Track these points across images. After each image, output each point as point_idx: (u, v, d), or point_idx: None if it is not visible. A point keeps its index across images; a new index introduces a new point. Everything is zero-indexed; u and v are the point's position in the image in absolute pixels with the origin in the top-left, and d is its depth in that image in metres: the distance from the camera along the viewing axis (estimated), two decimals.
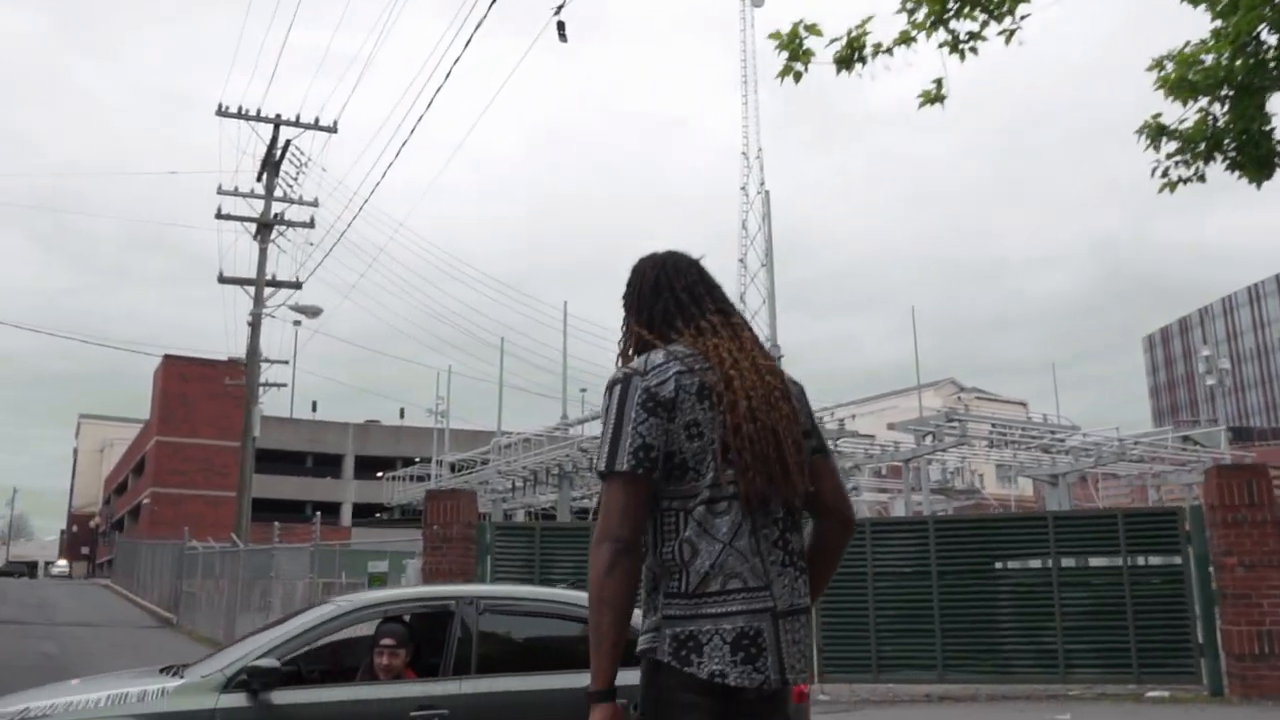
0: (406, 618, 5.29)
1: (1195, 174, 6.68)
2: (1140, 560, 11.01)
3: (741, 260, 56.40)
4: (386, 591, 5.50)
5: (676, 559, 2.15)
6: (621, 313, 2.51)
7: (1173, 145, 6.65)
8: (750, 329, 2.41)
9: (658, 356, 2.26)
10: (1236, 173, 6.52)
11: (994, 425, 28.40)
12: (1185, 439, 38.21)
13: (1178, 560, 10.84)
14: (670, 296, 2.41)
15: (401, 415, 62.00)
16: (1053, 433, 28.15)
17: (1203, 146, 6.51)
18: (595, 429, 28.73)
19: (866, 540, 11.47)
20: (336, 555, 19.04)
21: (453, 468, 36.34)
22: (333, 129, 24.76)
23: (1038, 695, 10.87)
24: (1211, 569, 10.65)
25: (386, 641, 5.05)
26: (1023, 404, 59.78)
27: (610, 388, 2.23)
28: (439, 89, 20.95)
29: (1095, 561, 11.31)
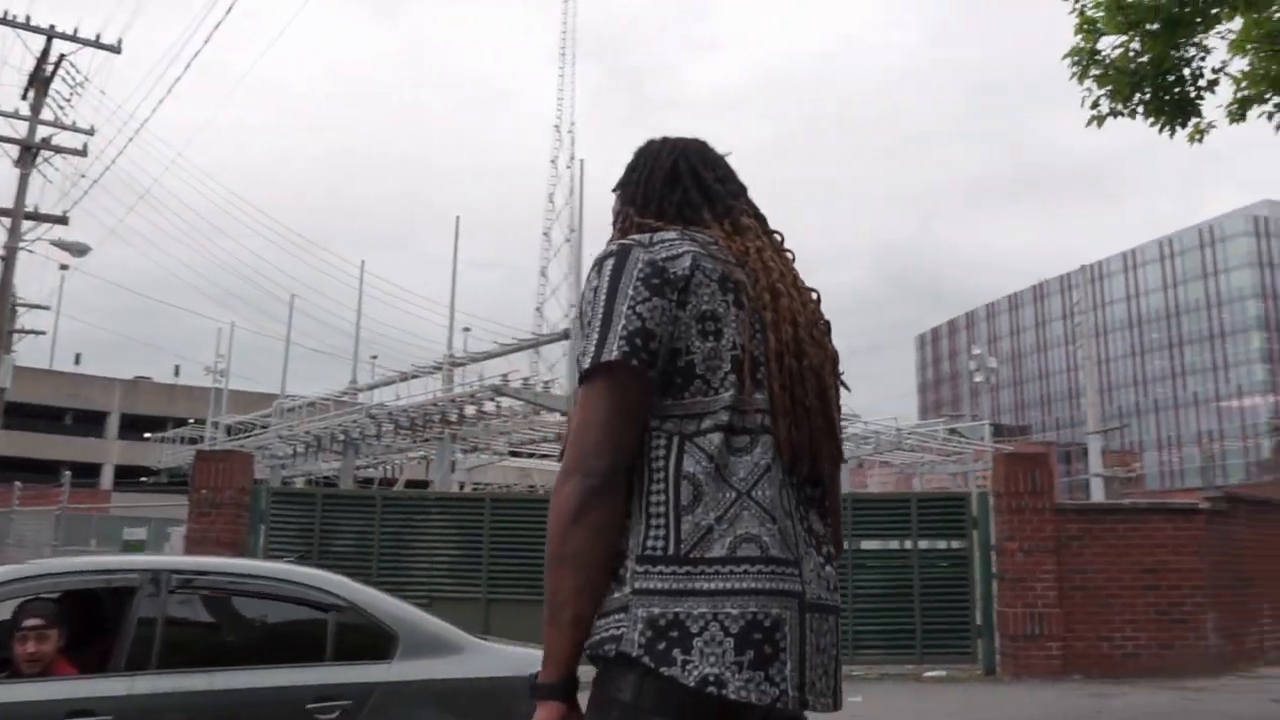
0: (57, 595, 4.22)
1: (1127, 109, 6.57)
2: (929, 544, 11.26)
3: (545, 234, 56.05)
4: (50, 561, 4.41)
5: (666, 503, 1.50)
6: (615, 205, 1.90)
7: (1096, 73, 6.53)
8: (792, 254, 1.83)
9: (669, 234, 1.66)
10: (1152, 120, 6.47)
11: None
12: (952, 431, 40.48)
13: (963, 544, 11.14)
14: (695, 185, 1.80)
15: (176, 373, 58.24)
16: None
17: (1126, 83, 6.42)
18: (384, 394, 27.69)
19: None
20: (92, 522, 17.38)
21: (229, 430, 34.29)
22: (115, 48, 22.38)
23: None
24: (993, 553, 11.00)
25: (31, 623, 3.98)
26: None
27: (600, 263, 1.63)
28: (224, 17, 19.33)
29: (888, 544, 11.50)
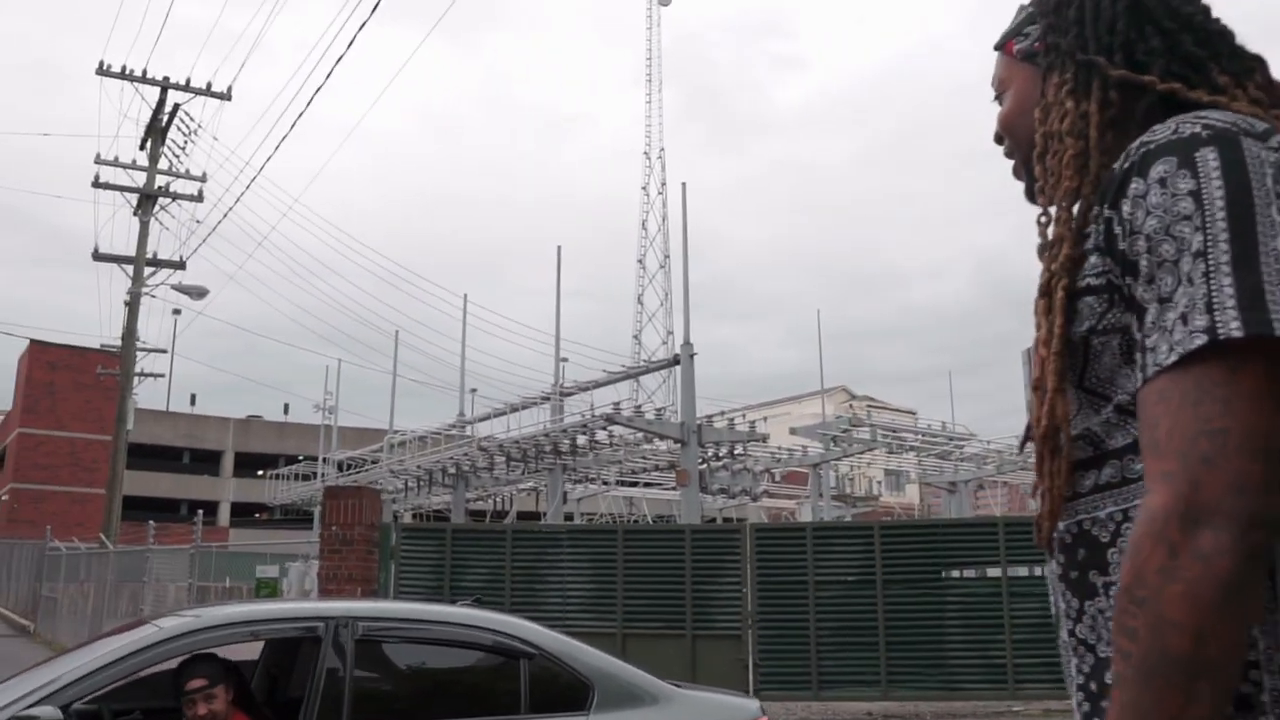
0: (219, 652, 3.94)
1: None
2: None
3: (640, 261, 56.04)
4: (231, 608, 4.13)
5: None
6: (1004, 66, 1.32)
7: None
8: None
9: (1252, 120, 1.03)
10: None
11: (894, 432, 28.48)
12: None
13: None
14: (1180, 27, 1.16)
15: (286, 411, 59.75)
16: (951, 440, 28.45)
17: None
18: (493, 427, 27.69)
19: (808, 546, 10.76)
20: (213, 558, 17.60)
21: (340, 466, 34.77)
22: (226, 95, 23.01)
23: (983, 712, 10.31)
24: None
25: (196, 684, 3.75)
26: (912, 412, 60.83)
27: (1186, 151, 0.99)
28: (334, 66, 19.67)
29: (1039, 571, 10.83)
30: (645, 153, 57.56)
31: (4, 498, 50.91)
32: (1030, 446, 1.15)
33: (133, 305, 22.29)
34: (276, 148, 26.70)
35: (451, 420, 29.46)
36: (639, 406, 24.04)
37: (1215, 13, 1.21)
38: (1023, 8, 1.31)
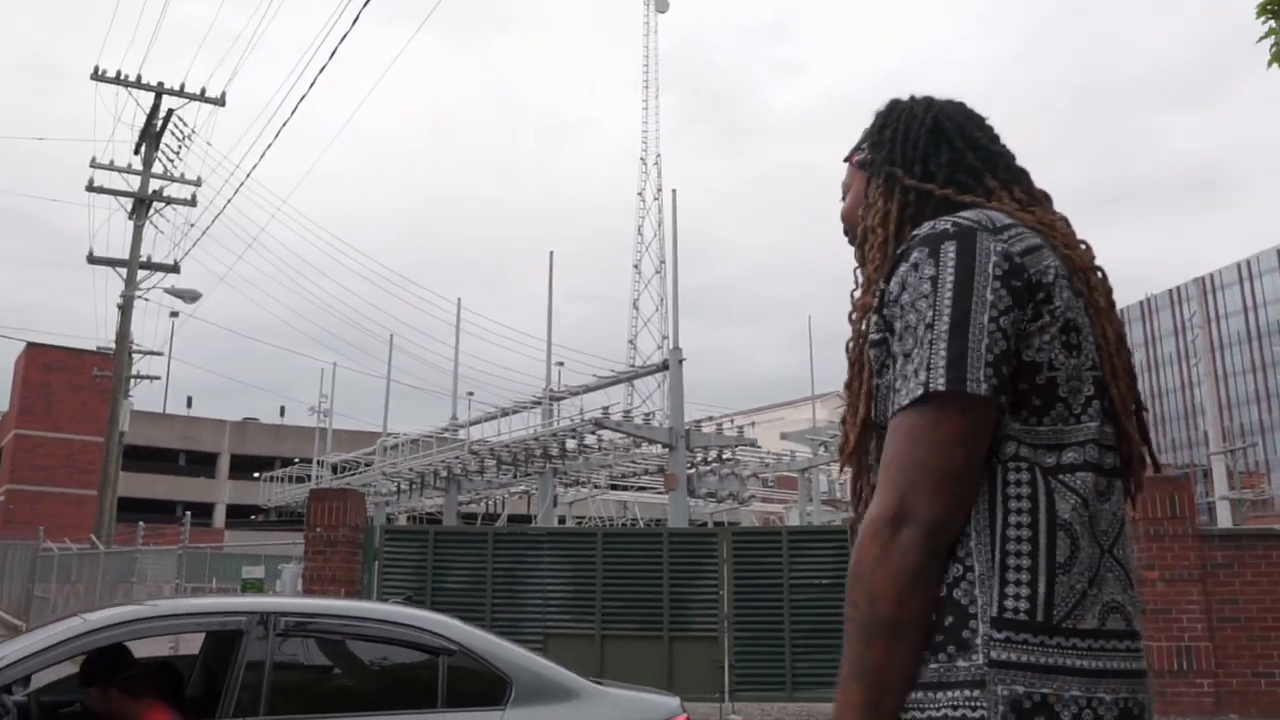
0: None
1: None
2: None
3: (636, 266, 56.14)
4: (154, 604, 4.23)
5: (1035, 555, 1.22)
6: (849, 175, 1.62)
7: None
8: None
9: (999, 216, 1.34)
10: None
11: None
12: None
13: None
14: (966, 144, 1.48)
15: (282, 413, 59.84)
16: None
17: None
18: (484, 431, 27.84)
19: (783, 550, 10.93)
20: (207, 559, 17.75)
21: (335, 469, 34.93)
22: (220, 101, 23.19)
23: None
24: None
25: (90, 682, 3.82)
26: None
27: (933, 245, 1.29)
28: (324, 66, 19.94)
29: None
30: (642, 158, 57.75)
31: (0, 499, 51.03)
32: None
33: (126, 308, 22.45)
34: (262, 156, 26.83)
35: (444, 424, 29.65)
36: (628, 411, 24.20)
37: (1002, 138, 1.54)
38: (872, 125, 1.59)
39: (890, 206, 1.46)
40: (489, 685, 3.99)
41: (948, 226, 1.30)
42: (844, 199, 1.62)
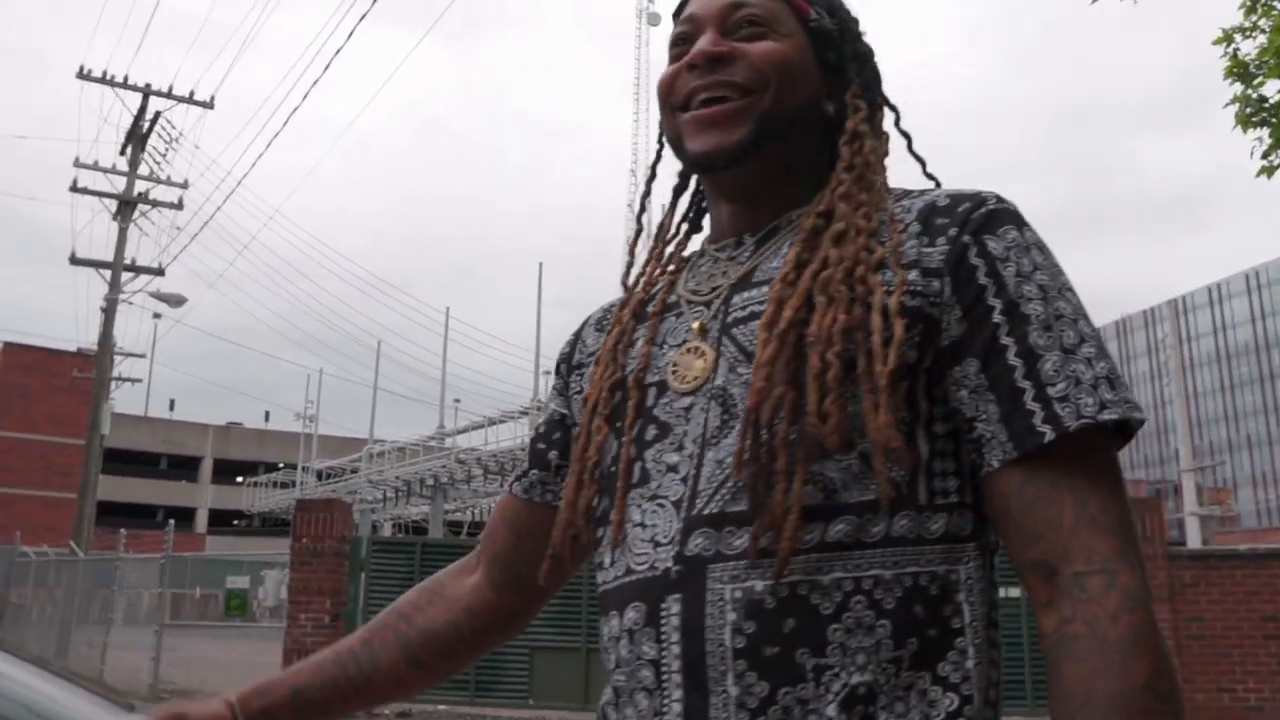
0: None
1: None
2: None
3: (623, 281, 56.15)
4: None
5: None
6: (799, 24, 1.11)
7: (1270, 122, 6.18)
8: None
9: None
10: None
11: None
12: None
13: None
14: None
15: (267, 418, 59.58)
16: None
17: None
18: (471, 440, 27.68)
19: None
20: (189, 565, 17.58)
21: (320, 475, 34.74)
22: (209, 104, 23.04)
23: None
24: None
25: None
26: None
27: (1029, 229, 1.00)
28: (317, 80, 19.83)
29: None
30: (632, 169, 57.80)
31: None
32: None
33: (109, 312, 22.25)
34: (254, 164, 26.66)
35: (431, 431, 29.52)
36: None
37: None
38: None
39: (883, 150, 1.13)
40: None
41: (1011, 204, 1.01)
42: (740, 22, 1.09)
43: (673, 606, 0.94)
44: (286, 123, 21.35)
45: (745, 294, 1.05)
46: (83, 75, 22.40)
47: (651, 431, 1.04)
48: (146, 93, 22.80)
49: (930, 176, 1.15)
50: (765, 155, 1.07)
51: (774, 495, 0.91)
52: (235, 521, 48.50)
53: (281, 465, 42.18)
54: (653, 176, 1.27)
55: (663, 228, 1.24)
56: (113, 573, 15.23)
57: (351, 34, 13.52)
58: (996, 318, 0.94)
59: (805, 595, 0.90)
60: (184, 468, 56.48)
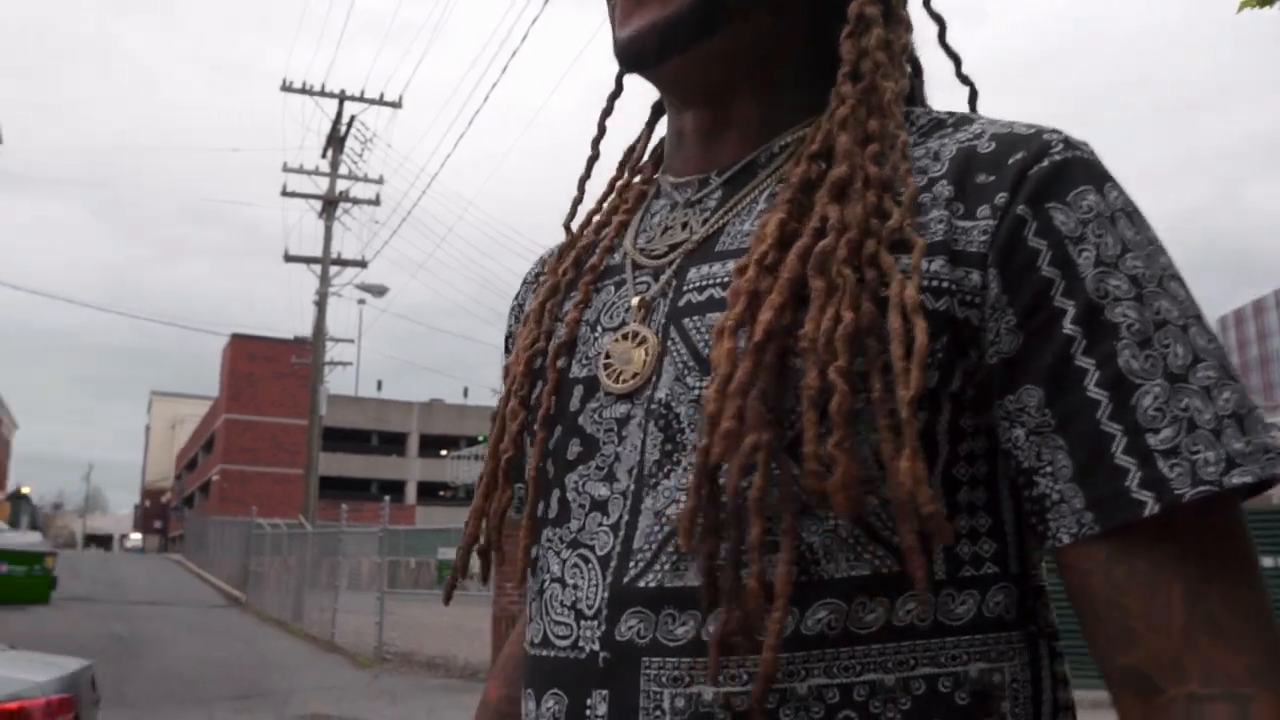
0: None
1: None
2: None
3: None
4: None
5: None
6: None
7: None
8: None
9: None
10: None
11: None
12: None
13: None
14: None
15: (465, 394, 62.23)
16: None
17: None
18: None
19: None
20: (402, 536, 18.95)
21: None
22: (397, 104, 24.53)
23: None
24: None
25: None
26: None
27: (1119, 189, 0.69)
28: (495, 82, 20.68)
29: None
30: None
31: (215, 478, 55.41)
32: None
33: (321, 304, 24.05)
34: (443, 164, 27.98)
35: None
36: None
37: None
38: None
39: (901, 44, 0.80)
40: None
41: (1086, 149, 0.70)
42: None
43: (599, 706, 0.69)
44: (471, 122, 22.35)
45: (705, 268, 0.76)
46: (285, 87, 24.22)
47: (574, 448, 0.77)
48: (342, 98, 24.43)
49: (965, 80, 0.85)
50: (718, 42, 0.77)
51: (745, 579, 0.63)
52: (441, 493, 51.16)
53: (481, 438, 44.15)
54: (619, 90, 0.93)
55: (630, 154, 0.95)
56: (337, 543, 16.65)
57: (525, 37, 14.14)
58: (1069, 328, 0.64)
59: (774, 710, 0.65)
60: (393, 443, 59.85)
